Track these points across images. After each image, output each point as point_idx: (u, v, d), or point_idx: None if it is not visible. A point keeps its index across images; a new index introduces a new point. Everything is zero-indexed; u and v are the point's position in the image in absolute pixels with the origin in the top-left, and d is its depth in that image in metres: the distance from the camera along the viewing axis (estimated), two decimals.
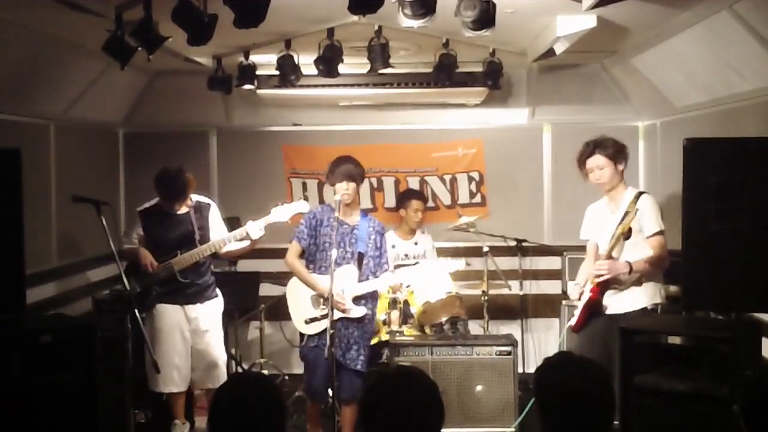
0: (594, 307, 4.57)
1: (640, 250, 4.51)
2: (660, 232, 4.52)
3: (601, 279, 4.49)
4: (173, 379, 5.09)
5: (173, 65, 5.75)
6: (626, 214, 4.47)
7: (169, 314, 5.11)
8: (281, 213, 5.09)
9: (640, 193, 4.63)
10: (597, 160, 4.59)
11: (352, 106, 6.91)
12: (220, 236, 5.16)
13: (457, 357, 5.16)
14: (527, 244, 6.48)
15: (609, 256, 4.51)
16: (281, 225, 5.22)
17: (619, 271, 4.46)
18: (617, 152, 4.60)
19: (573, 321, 4.73)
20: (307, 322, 4.86)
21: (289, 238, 5.05)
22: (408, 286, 5.58)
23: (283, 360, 6.73)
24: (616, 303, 4.56)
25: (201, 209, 5.24)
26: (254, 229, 5.05)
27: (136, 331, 4.60)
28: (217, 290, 5.33)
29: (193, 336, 5.16)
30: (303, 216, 5.06)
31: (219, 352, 5.24)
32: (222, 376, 5.19)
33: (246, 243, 5.17)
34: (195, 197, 5.26)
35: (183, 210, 5.19)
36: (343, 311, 4.80)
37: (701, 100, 5.25)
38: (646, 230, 4.52)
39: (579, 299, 4.69)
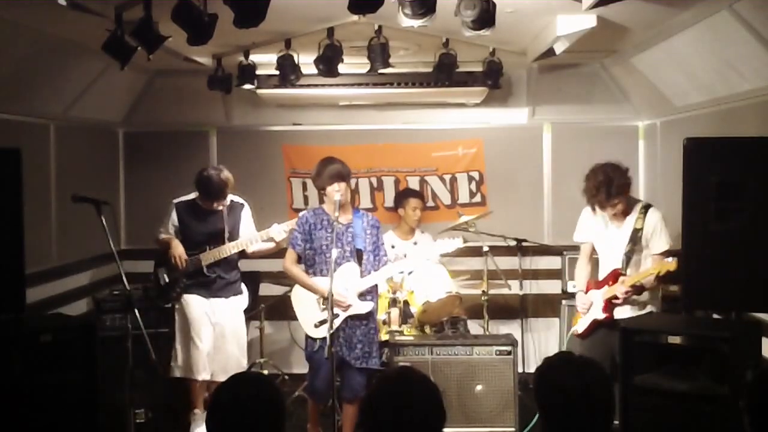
0: (604, 321, 4.71)
1: (645, 264, 4.68)
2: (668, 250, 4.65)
3: (621, 298, 4.61)
4: (206, 367, 5.27)
5: (173, 65, 5.75)
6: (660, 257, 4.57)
7: (197, 304, 5.32)
8: None
9: (646, 207, 4.70)
10: (615, 201, 4.60)
11: (352, 106, 6.91)
12: (247, 236, 5.35)
13: (457, 357, 5.16)
14: (527, 244, 6.48)
15: (620, 274, 4.65)
16: None
17: (634, 296, 4.64)
18: (627, 186, 4.63)
19: (579, 329, 4.83)
20: (316, 326, 4.85)
21: (288, 238, 5.06)
22: (411, 273, 5.57)
23: (283, 360, 6.73)
24: (622, 311, 4.69)
25: (234, 208, 5.41)
26: (278, 231, 5.24)
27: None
28: (243, 287, 5.53)
29: (216, 329, 5.34)
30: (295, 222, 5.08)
31: (235, 347, 5.41)
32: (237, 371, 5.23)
33: (272, 244, 5.38)
34: (230, 196, 5.39)
35: (217, 207, 5.31)
36: (346, 308, 4.80)
37: (701, 100, 5.25)
38: (656, 248, 4.65)
39: (587, 312, 4.79)
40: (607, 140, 6.65)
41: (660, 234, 4.66)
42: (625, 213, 4.70)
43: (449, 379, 5.09)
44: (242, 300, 5.52)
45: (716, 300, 4.07)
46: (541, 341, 6.79)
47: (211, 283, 5.32)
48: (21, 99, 5.04)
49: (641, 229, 4.65)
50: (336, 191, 4.79)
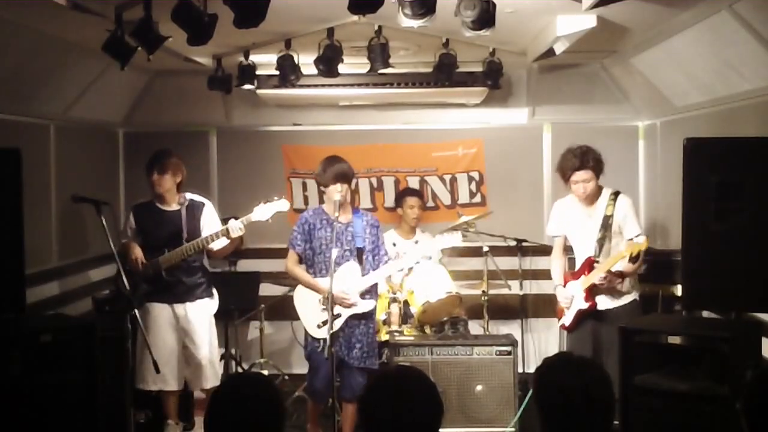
0: (588, 310, 4.81)
1: (618, 249, 4.76)
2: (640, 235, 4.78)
3: (600, 286, 4.72)
4: (164, 377, 5.06)
5: (173, 65, 5.75)
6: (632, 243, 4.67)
7: (158, 312, 5.12)
8: (262, 212, 5.04)
9: (615, 193, 4.83)
10: (584, 175, 4.73)
11: (352, 106, 6.91)
12: (204, 235, 5.11)
13: (457, 357, 5.16)
14: (527, 244, 6.48)
15: (594, 261, 4.75)
16: (283, 225, 5.23)
17: (614, 282, 4.72)
18: (600, 165, 4.76)
19: (567, 321, 4.94)
20: (319, 326, 4.84)
21: (288, 238, 5.05)
22: (411, 268, 5.55)
23: (283, 360, 6.73)
24: (605, 300, 4.81)
25: (193, 208, 5.22)
26: (235, 227, 5.00)
27: (133, 330, 4.61)
28: (212, 290, 5.31)
29: (181, 335, 5.15)
30: (295, 221, 5.07)
31: (206, 353, 5.19)
32: (210, 377, 5.18)
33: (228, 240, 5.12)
34: (189, 195, 5.26)
35: (174, 207, 5.19)
36: (350, 306, 4.80)
37: (701, 100, 5.25)
38: (629, 233, 4.76)
39: (570, 305, 4.89)
40: (607, 140, 6.59)
41: (632, 219, 4.78)
42: (594, 196, 4.81)
43: (449, 379, 5.10)
44: (210, 304, 5.27)
45: (716, 300, 4.08)
46: (541, 341, 6.79)
47: (172, 288, 5.09)
48: (21, 99, 5.03)
49: (612, 215, 4.76)
50: (337, 191, 4.79)
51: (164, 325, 5.12)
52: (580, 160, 4.69)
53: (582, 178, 4.73)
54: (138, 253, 5.06)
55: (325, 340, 4.73)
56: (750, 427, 2.32)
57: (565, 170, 4.80)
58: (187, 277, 5.15)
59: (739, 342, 3.73)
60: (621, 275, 4.70)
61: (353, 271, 4.87)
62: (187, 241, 5.08)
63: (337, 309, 4.73)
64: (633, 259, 4.60)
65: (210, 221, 5.25)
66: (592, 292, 4.75)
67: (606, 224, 4.75)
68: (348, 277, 4.83)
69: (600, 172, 4.77)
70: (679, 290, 5.26)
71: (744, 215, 3.81)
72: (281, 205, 5.09)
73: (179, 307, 5.14)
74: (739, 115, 4.80)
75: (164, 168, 5.11)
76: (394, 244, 6.15)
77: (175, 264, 5.09)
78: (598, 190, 4.84)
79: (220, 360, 6.04)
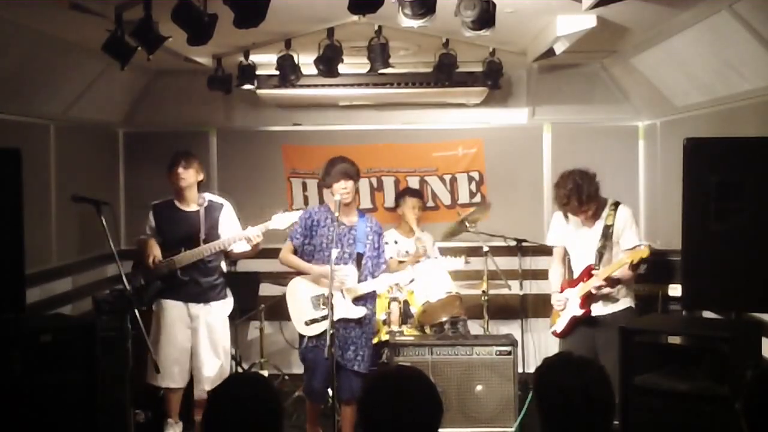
0: (582, 317, 4.80)
1: (617, 259, 4.74)
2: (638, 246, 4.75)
3: (596, 293, 4.71)
4: (172, 375, 5.09)
5: (173, 65, 5.75)
6: (636, 248, 4.65)
7: (171, 310, 5.15)
8: (280, 220, 5.09)
9: (616, 204, 4.79)
10: (585, 207, 4.69)
11: (352, 106, 6.91)
12: (224, 237, 5.16)
13: (457, 357, 5.17)
14: (527, 244, 6.46)
15: (592, 269, 4.73)
16: None
17: (611, 289, 4.72)
18: (597, 191, 4.70)
19: (558, 328, 4.94)
20: (307, 324, 4.85)
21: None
22: (411, 281, 5.55)
23: (283, 360, 6.72)
24: (599, 306, 4.80)
25: (212, 209, 5.24)
26: (253, 233, 5.07)
27: (136, 328, 4.61)
28: (227, 292, 5.32)
29: (192, 334, 5.17)
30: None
31: (216, 354, 5.21)
32: (216, 380, 5.14)
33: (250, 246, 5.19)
34: (208, 196, 5.29)
35: (193, 208, 5.21)
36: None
37: (701, 100, 5.25)
38: (626, 244, 4.73)
39: (563, 309, 4.89)
40: (607, 140, 6.65)
41: (630, 229, 4.75)
42: (596, 216, 4.77)
43: (449, 379, 5.10)
44: (225, 305, 5.29)
45: (716, 300, 4.08)
46: (541, 341, 6.76)
47: (186, 287, 5.11)
48: (21, 99, 5.04)
49: (612, 225, 4.73)
50: (342, 188, 4.79)
51: (176, 323, 5.15)
52: (578, 201, 4.63)
53: (584, 210, 4.71)
54: (155, 251, 5.09)
55: (313, 338, 4.80)
56: (750, 427, 2.32)
57: (566, 212, 4.78)
58: (204, 278, 5.17)
59: (739, 342, 3.73)
60: (618, 282, 4.70)
61: (350, 275, 4.87)
62: (205, 242, 5.11)
63: (325, 310, 4.72)
64: (633, 267, 4.60)
65: (229, 222, 5.27)
66: (588, 299, 4.74)
67: (606, 234, 4.73)
68: (345, 279, 4.83)
69: (598, 193, 4.71)
70: (678, 290, 5.26)
71: (744, 215, 3.81)
72: (297, 216, 5.11)
73: (194, 307, 5.16)
74: (739, 115, 4.80)
75: (190, 162, 5.16)
76: (396, 242, 6.17)
77: (190, 264, 5.10)
78: (601, 205, 4.78)
79: None
